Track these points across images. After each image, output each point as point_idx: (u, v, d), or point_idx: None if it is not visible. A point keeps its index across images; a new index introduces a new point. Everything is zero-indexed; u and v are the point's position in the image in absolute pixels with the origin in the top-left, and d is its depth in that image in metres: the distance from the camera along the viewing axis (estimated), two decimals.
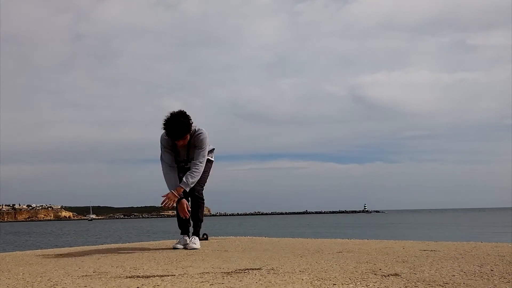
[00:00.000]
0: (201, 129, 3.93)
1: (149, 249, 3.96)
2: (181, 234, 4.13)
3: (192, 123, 3.84)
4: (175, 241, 4.32)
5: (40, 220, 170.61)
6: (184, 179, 3.85)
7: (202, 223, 4.14)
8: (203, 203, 4.13)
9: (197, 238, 4.06)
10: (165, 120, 3.73)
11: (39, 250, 4.46)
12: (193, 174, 3.86)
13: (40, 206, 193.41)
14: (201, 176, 3.97)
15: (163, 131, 3.82)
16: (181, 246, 4.02)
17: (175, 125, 3.71)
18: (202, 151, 3.93)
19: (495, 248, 3.43)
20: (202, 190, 4.11)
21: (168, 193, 3.77)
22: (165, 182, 3.89)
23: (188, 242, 4.01)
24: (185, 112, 3.80)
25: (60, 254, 3.71)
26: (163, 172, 3.93)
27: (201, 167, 3.91)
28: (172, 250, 3.86)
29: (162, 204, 3.78)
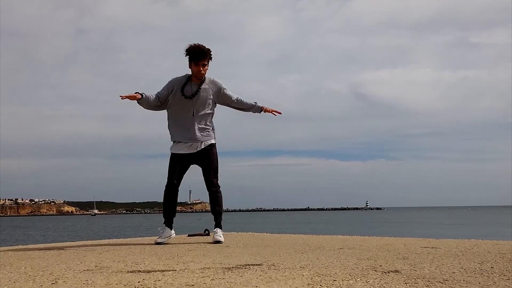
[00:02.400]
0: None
1: (150, 244, 3.97)
2: (164, 224, 4.06)
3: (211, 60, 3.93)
4: (177, 236, 4.33)
5: (42, 215, 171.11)
6: (251, 104, 4.06)
7: (222, 215, 4.13)
8: (221, 195, 4.09)
9: (221, 230, 4.04)
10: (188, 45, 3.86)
11: (41, 244, 4.49)
12: (250, 101, 4.08)
13: (43, 200, 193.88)
14: (214, 166, 4.04)
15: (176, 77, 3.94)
16: (163, 240, 3.96)
17: (199, 45, 3.86)
18: (234, 94, 4.04)
19: (496, 246, 3.43)
20: (218, 180, 4.07)
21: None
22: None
23: (215, 234, 3.98)
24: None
25: (62, 249, 3.72)
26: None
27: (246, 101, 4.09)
28: (174, 245, 3.87)
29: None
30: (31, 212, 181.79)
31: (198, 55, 3.83)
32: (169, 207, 4.05)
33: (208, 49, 3.88)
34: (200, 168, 4.09)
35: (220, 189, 4.09)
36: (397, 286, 1.95)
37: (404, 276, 2.15)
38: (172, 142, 4.05)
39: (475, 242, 3.80)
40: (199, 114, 3.95)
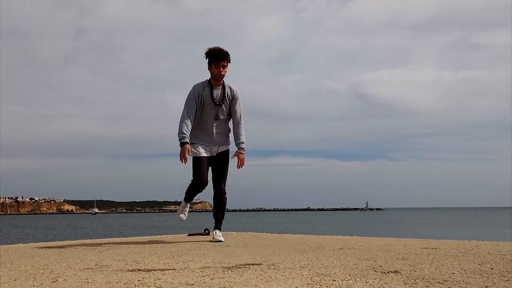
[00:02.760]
0: (238, 92, 4.07)
1: (150, 243, 3.97)
2: (185, 201, 4.23)
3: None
4: (177, 235, 4.34)
5: (42, 213, 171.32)
6: (239, 138, 4.02)
7: (223, 220, 4.22)
8: (226, 201, 4.15)
9: (220, 231, 4.13)
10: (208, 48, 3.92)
11: (41, 242, 4.49)
12: (243, 133, 4.06)
13: (43, 199, 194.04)
14: (226, 172, 4.10)
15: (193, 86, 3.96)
16: (184, 216, 4.23)
17: (219, 47, 3.92)
18: (242, 113, 4.08)
19: (496, 247, 3.43)
20: (225, 186, 4.13)
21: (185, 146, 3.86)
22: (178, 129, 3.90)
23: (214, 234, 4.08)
24: None
25: (62, 247, 3.73)
26: (181, 119, 3.92)
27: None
28: (174, 244, 3.88)
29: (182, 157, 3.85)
30: (31, 211, 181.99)
31: (219, 56, 3.88)
32: (192, 195, 4.17)
33: (227, 52, 3.93)
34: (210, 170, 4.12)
35: (226, 195, 4.14)
36: (397, 287, 1.95)
37: (404, 277, 2.15)
38: (192, 144, 4.02)
39: (475, 243, 3.80)
40: (221, 118, 4.02)
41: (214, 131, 4.01)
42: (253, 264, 2.54)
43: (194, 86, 3.99)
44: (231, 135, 4.13)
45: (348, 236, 4.74)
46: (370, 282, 2.03)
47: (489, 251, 3.16)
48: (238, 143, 4.05)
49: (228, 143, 4.12)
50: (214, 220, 4.19)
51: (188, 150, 3.87)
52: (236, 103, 4.04)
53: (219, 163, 4.07)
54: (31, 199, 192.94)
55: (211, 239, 4.12)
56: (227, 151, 4.11)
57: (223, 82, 4.00)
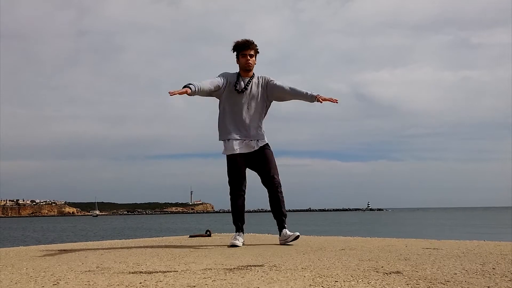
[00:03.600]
0: None
1: (152, 245, 3.97)
2: (238, 232, 3.88)
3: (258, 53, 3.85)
4: (178, 237, 4.33)
5: (43, 216, 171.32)
6: (305, 90, 3.75)
7: (286, 218, 3.88)
8: (283, 196, 3.85)
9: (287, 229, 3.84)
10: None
11: (42, 245, 4.49)
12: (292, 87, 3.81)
13: (44, 201, 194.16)
14: (274, 162, 3.82)
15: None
16: (240, 243, 3.76)
17: (245, 38, 3.77)
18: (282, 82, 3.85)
19: (498, 247, 3.43)
20: (279, 177, 3.83)
21: None
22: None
23: (285, 234, 3.80)
24: None
25: (64, 250, 3.72)
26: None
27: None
28: (175, 246, 3.87)
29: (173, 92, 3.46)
30: (32, 213, 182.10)
31: (244, 45, 3.76)
32: (240, 215, 3.89)
33: (253, 41, 3.81)
34: (254, 172, 3.87)
35: (281, 188, 3.84)
36: (399, 287, 1.94)
37: (406, 277, 2.15)
38: (224, 141, 3.82)
39: (477, 243, 3.79)
40: (252, 110, 3.79)
41: (249, 123, 3.77)
42: (255, 266, 2.54)
43: (224, 72, 3.84)
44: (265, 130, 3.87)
45: (349, 237, 4.73)
46: (372, 283, 2.02)
47: (491, 251, 3.16)
48: (308, 93, 3.73)
49: (264, 138, 3.84)
50: (276, 221, 3.86)
51: (183, 92, 3.50)
52: (273, 82, 3.83)
53: (261, 157, 3.79)
54: (32, 201, 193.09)
55: (284, 241, 3.80)
56: (267, 144, 3.85)
57: (253, 74, 3.84)
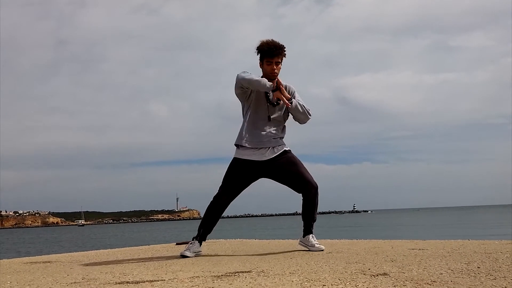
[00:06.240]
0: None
1: (138, 254, 3.93)
2: (196, 238, 3.55)
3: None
4: (164, 245, 4.29)
5: (27, 227, 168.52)
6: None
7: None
8: (318, 200, 3.57)
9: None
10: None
11: (26, 257, 4.41)
12: (301, 104, 3.48)
13: (27, 212, 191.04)
14: (302, 165, 3.53)
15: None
16: (191, 254, 3.45)
17: (272, 41, 3.42)
18: (301, 100, 3.52)
19: (482, 246, 3.47)
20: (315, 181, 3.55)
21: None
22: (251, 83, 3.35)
23: (311, 242, 3.53)
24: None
25: (48, 261, 3.67)
26: (241, 75, 3.40)
27: (305, 108, 3.49)
28: (162, 254, 3.84)
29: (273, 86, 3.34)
30: (15, 224, 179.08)
31: (272, 52, 3.39)
32: (209, 223, 3.55)
33: (283, 45, 3.44)
34: (274, 181, 3.58)
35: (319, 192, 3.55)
36: None
37: (393, 279, 2.16)
38: (236, 147, 3.55)
39: (462, 243, 3.84)
40: (276, 121, 3.51)
41: (267, 133, 3.46)
42: (243, 272, 2.53)
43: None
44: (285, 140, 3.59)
45: (336, 240, 4.75)
46: (359, 285, 2.03)
47: (475, 250, 3.20)
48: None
49: (283, 145, 3.53)
50: (304, 224, 3.60)
51: (279, 83, 3.34)
52: (296, 97, 3.53)
53: (282, 164, 3.47)
54: (15, 212, 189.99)
55: (304, 246, 3.57)
56: (286, 151, 3.52)
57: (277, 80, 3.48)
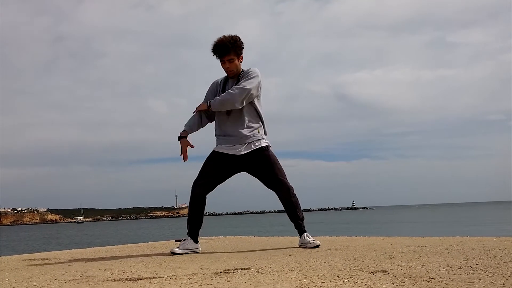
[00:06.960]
0: (255, 68, 3.53)
1: (137, 251, 3.93)
2: (188, 234, 3.62)
3: (243, 48, 3.48)
4: (163, 242, 4.29)
5: (25, 224, 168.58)
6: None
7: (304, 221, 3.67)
8: (296, 198, 3.62)
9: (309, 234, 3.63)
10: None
11: (24, 254, 4.41)
12: (221, 96, 3.45)
13: (26, 209, 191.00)
14: (277, 165, 3.54)
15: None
16: (182, 251, 3.50)
17: (221, 39, 3.40)
18: (245, 81, 3.43)
19: (480, 243, 3.48)
20: (287, 180, 3.58)
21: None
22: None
23: (307, 240, 3.57)
24: (238, 36, 3.46)
25: (46, 258, 3.67)
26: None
27: (233, 94, 3.39)
28: (161, 251, 3.84)
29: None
30: (13, 221, 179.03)
31: (220, 51, 3.41)
32: (193, 216, 3.58)
33: (233, 41, 3.41)
34: (253, 177, 3.63)
35: (294, 191, 3.60)
36: (385, 286, 1.95)
37: (391, 276, 2.16)
38: (216, 138, 3.65)
39: (460, 239, 3.84)
40: (236, 113, 3.49)
41: (231, 128, 3.50)
42: (241, 269, 2.53)
43: (213, 82, 3.67)
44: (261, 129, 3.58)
45: (335, 237, 4.75)
46: (358, 282, 2.03)
47: (474, 247, 3.20)
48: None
49: (257, 138, 3.52)
50: (294, 225, 3.67)
51: (186, 144, 3.53)
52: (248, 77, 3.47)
53: (258, 161, 3.51)
54: (13, 209, 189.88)
55: (303, 246, 3.58)
56: (263, 148, 3.52)
57: (242, 71, 3.52)
